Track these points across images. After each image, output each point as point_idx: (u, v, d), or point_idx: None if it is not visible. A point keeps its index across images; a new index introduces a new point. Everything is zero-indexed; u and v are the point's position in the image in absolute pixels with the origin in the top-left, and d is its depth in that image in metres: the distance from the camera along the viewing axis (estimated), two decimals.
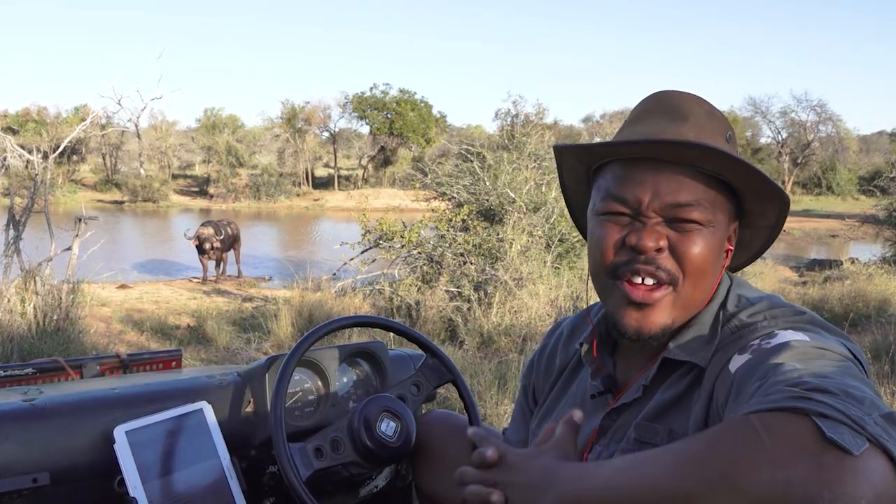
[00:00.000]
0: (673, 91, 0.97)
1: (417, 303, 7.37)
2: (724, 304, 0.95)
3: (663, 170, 0.90)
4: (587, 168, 1.01)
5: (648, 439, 0.90)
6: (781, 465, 0.61)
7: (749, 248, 1.03)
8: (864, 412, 0.64)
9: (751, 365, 0.79)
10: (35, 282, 5.67)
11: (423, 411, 1.53)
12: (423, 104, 37.88)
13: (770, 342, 0.81)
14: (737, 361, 0.82)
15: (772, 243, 1.03)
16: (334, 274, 9.38)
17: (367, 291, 8.22)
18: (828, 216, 30.02)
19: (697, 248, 0.90)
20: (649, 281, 0.90)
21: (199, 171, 42.35)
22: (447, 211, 9.04)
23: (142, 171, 37.19)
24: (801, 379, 0.69)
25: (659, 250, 0.90)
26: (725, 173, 0.91)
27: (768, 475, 0.61)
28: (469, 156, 9.83)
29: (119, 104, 28.59)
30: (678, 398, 0.90)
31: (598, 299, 1.01)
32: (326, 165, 44.55)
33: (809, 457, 0.61)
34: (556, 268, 8.31)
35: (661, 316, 0.91)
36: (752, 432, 0.64)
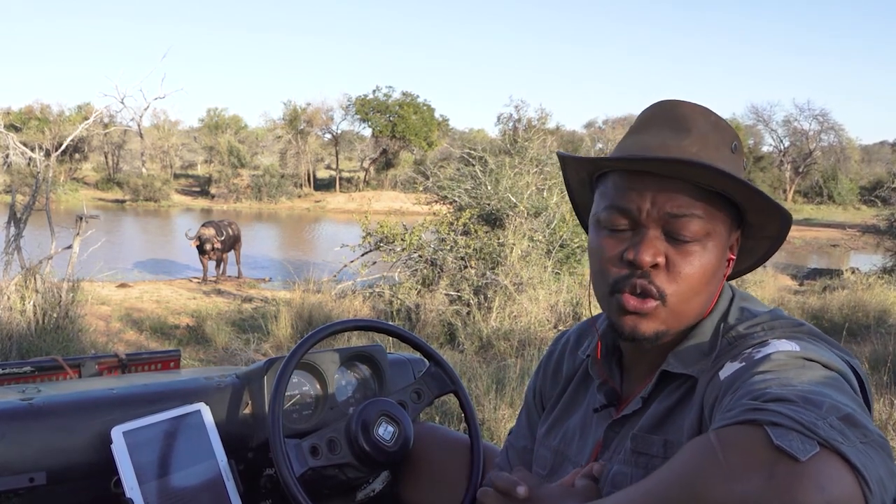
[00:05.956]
0: (678, 101, 0.97)
1: (417, 306, 7.37)
2: (725, 317, 0.95)
3: (664, 182, 0.90)
4: (589, 174, 1.02)
5: (644, 450, 0.91)
6: (736, 478, 0.61)
7: (752, 255, 1.04)
8: (819, 416, 0.64)
9: (736, 375, 0.80)
10: (35, 279, 5.67)
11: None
12: (425, 107, 37.89)
13: (760, 352, 0.81)
14: (727, 369, 0.82)
15: (774, 252, 1.03)
16: (335, 276, 9.39)
17: (367, 294, 8.22)
18: (828, 225, 30.00)
19: (694, 266, 0.91)
20: (638, 292, 0.92)
21: (200, 171, 42.40)
22: (448, 214, 9.05)
23: (144, 170, 37.19)
24: (764, 391, 0.70)
25: (655, 266, 0.91)
26: (726, 189, 0.91)
27: (726, 490, 0.61)
28: (471, 160, 9.84)
29: (122, 103, 28.46)
30: (673, 407, 0.91)
31: (596, 302, 1.03)
32: (328, 167, 44.58)
33: (761, 466, 0.61)
34: (557, 273, 8.31)
35: (654, 323, 0.93)
36: (710, 450, 0.64)
